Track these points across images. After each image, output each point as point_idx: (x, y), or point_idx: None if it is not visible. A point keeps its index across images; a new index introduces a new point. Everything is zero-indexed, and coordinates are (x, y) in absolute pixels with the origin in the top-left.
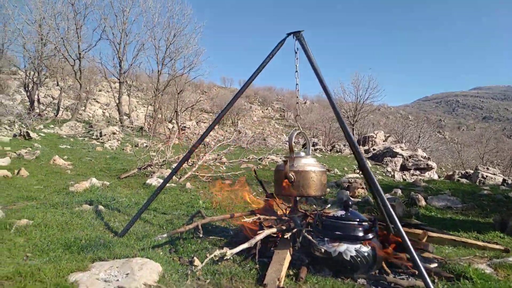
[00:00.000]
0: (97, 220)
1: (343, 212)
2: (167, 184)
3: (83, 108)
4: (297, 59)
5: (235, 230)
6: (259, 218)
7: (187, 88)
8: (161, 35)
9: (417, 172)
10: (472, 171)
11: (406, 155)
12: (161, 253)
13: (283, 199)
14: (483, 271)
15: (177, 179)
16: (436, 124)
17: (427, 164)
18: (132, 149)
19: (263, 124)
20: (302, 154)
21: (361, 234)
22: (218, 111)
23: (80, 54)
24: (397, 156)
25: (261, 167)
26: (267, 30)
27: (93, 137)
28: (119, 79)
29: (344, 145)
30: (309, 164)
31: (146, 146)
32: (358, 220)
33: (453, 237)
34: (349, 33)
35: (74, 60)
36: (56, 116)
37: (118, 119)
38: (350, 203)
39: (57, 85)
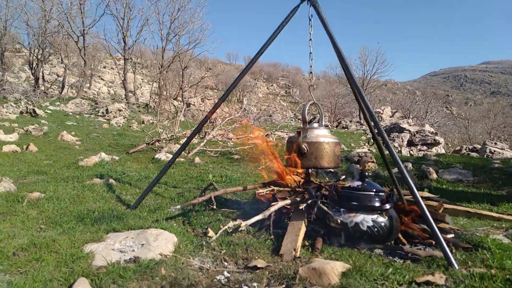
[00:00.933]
0: (109, 193)
1: (359, 183)
2: (176, 159)
3: (88, 85)
4: (311, 26)
5: (248, 203)
6: (273, 190)
7: (191, 65)
8: (165, 9)
9: (424, 148)
10: (479, 146)
11: (413, 130)
12: (175, 224)
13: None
14: (500, 241)
15: (186, 154)
16: (443, 99)
17: (434, 140)
18: (138, 126)
19: (268, 101)
20: (315, 125)
21: (378, 204)
22: (224, 88)
23: (84, 30)
24: (404, 131)
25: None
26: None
27: (99, 114)
28: (123, 56)
29: (351, 121)
30: (322, 135)
31: (153, 123)
32: (374, 190)
33: (467, 209)
34: (354, 9)
35: (78, 37)
36: (61, 93)
37: (123, 96)
38: (366, 173)
39: (61, 62)
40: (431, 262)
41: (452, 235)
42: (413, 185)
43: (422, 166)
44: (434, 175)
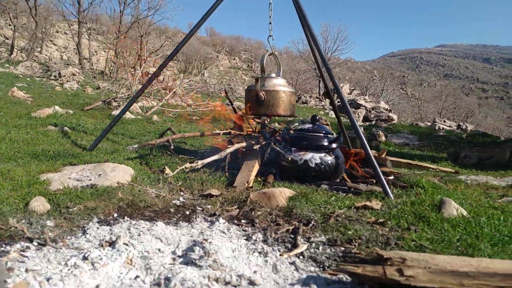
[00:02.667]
0: (64, 139)
1: (310, 125)
2: (134, 117)
3: (39, 49)
4: None
5: (205, 152)
6: (230, 133)
7: (151, 33)
8: None
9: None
10: (429, 123)
11: (369, 106)
12: (132, 163)
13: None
14: (434, 183)
15: (144, 113)
16: (399, 80)
17: (388, 116)
18: (93, 91)
19: (230, 74)
20: (273, 75)
21: (326, 143)
22: (184, 58)
23: None
24: (361, 107)
25: (227, 112)
26: None
27: (51, 77)
28: (78, 18)
29: (310, 97)
30: (279, 84)
31: (109, 89)
32: (324, 132)
33: (409, 161)
34: None
35: None
36: (10, 56)
37: (77, 62)
38: (317, 117)
39: (10, 24)
40: (370, 195)
41: (392, 177)
42: (361, 132)
43: (373, 130)
44: (383, 138)
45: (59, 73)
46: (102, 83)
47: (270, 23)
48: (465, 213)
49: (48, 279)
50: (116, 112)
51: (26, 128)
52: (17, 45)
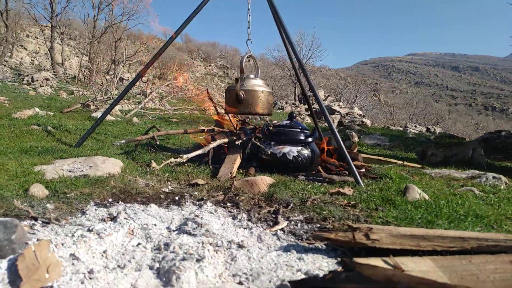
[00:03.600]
0: (49, 137)
1: (288, 122)
2: (114, 119)
3: (9, 54)
4: None
5: (187, 150)
6: (213, 130)
7: (125, 38)
8: None
9: (353, 126)
10: (401, 128)
11: (344, 112)
12: (119, 157)
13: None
14: (401, 174)
15: (123, 115)
16: (372, 87)
17: (362, 121)
18: (68, 96)
19: (206, 81)
20: (252, 76)
21: (302, 138)
22: (159, 64)
23: None
24: (335, 113)
25: (206, 115)
26: None
27: (23, 82)
28: (51, 23)
29: (286, 103)
30: (258, 84)
31: (83, 94)
32: (300, 127)
33: (379, 157)
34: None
35: None
36: None
37: (49, 67)
38: (294, 114)
39: None
40: (343, 184)
41: (363, 170)
42: (335, 130)
43: (347, 131)
44: (356, 139)
45: (32, 78)
46: (76, 88)
47: (248, 27)
48: (427, 197)
49: (62, 244)
50: (95, 114)
51: (10, 127)
52: None
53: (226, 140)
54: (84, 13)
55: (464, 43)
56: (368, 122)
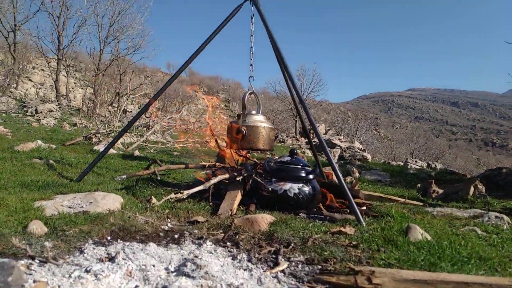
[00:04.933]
0: (51, 171)
1: (289, 158)
2: (115, 152)
3: (15, 85)
4: (252, 24)
5: (188, 186)
6: (214, 165)
7: (130, 71)
8: (104, 11)
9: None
10: (402, 163)
11: (344, 146)
12: (120, 193)
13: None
14: (403, 212)
15: (125, 149)
16: (372, 121)
17: (362, 155)
18: (71, 128)
19: (208, 113)
20: (254, 112)
21: (303, 175)
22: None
23: (15, 25)
24: (336, 147)
25: (207, 148)
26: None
27: (27, 113)
28: (57, 55)
29: (287, 136)
30: (259, 120)
31: (85, 126)
32: (301, 164)
33: (380, 194)
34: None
35: (8, 32)
36: None
37: (53, 98)
38: (295, 151)
39: None
40: (345, 223)
41: (365, 208)
42: (336, 166)
43: (347, 166)
44: (357, 174)
45: (36, 109)
46: (79, 120)
47: (251, 65)
48: (429, 237)
49: (58, 286)
50: (97, 147)
51: (12, 160)
52: None
53: (227, 176)
54: (90, 47)
55: (462, 79)
56: (368, 156)
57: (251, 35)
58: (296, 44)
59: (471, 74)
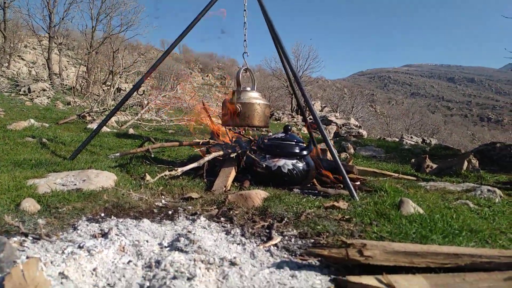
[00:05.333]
0: (44, 149)
1: (283, 134)
2: (110, 130)
3: (7, 64)
4: None
5: (183, 162)
6: (208, 142)
7: (123, 49)
8: None
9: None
10: (397, 139)
11: (340, 123)
12: (113, 170)
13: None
14: (396, 187)
15: (119, 127)
16: (368, 98)
17: (358, 132)
18: (65, 106)
19: (203, 91)
20: (248, 88)
21: (297, 151)
22: (156, 75)
23: (4, 3)
24: (332, 124)
25: (202, 126)
26: None
27: (20, 92)
28: (49, 33)
29: (283, 114)
30: (254, 97)
31: (79, 105)
32: (295, 140)
33: (374, 170)
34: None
35: None
36: None
37: (47, 77)
38: (289, 127)
39: None
40: (338, 198)
41: (359, 183)
42: (330, 142)
43: (342, 143)
44: (352, 150)
45: (29, 88)
46: (72, 99)
47: (245, 40)
48: (421, 211)
49: (51, 262)
50: (91, 126)
51: (5, 139)
52: None
53: (221, 153)
54: (82, 24)
55: (459, 55)
56: (364, 132)
57: (244, 10)
58: (291, 20)
59: (468, 49)
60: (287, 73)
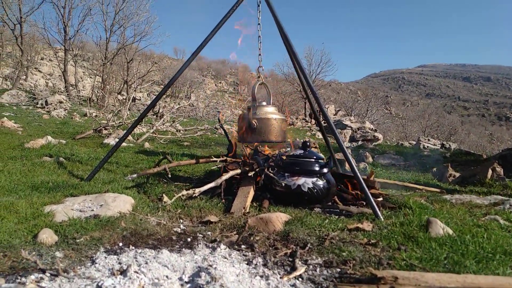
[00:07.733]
0: (61, 169)
1: (301, 151)
2: (125, 144)
3: (24, 77)
4: (259, 12)
5: (199, 179)
6: (225, 161)
7: (137, 59)
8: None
9: (365, 143)
10: (414, 142)
11: (355, 127)
12: (131, 192)
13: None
14: (421, 203)
15: (135, 140)
16: (383, 100)
17: (374, 136)
18: (81, 118)
19: (216, 98)
20: (264, 103)
21: (317, 168)
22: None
23: (21, 17)
24: (347, 128)
25: (217, 135)
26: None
27: (38, 105)
28: (64, 46)
29: (297, 118)
30: (270, 112)
31: (96, 116)
32: (315, 157)
33: (396, 182)
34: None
35: (15, 25)
36: None
37: (63, 89)
38: (308, 143)
39: None
40: (361, 217)
41: (381, 199)
42: (349, 155)
43: (360, 151)
44: (370, 159)
45: (46, 101)
46: (89, 110)
47: (259, 54)
48: (450, 232)
49: None
50: (107, 141)
51: (22, 159)
52: (1, 73)
53: (238, 171)
54: (96, 35)
55: (475, 53)
56: (380, 136)
57: (258, 24)
58: (303, 23)
59: (484, 48)
60: (300, 79)
